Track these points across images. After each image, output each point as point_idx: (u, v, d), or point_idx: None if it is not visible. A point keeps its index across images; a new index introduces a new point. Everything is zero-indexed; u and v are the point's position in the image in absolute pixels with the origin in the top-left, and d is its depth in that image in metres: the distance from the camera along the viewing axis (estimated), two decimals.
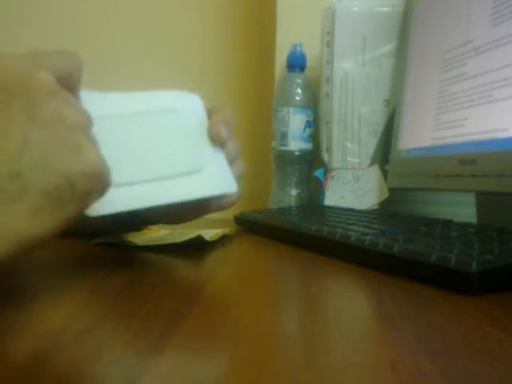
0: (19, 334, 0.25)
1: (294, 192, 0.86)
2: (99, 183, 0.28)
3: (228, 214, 0.72)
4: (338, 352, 0.24)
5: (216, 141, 0.45)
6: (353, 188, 0.80)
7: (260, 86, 1.03)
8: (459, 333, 0.26)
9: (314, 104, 0.86)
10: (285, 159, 0.86)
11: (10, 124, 0.27)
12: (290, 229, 0.56)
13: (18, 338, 0.25)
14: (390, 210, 0.75)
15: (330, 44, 0.81)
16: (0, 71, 0.29)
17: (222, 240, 0.56)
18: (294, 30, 0.92)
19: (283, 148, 0.85)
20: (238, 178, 0.47)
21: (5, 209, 0.25)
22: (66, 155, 0.27)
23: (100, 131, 0.34)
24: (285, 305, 0.33)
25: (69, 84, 0.32)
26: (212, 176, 0.42)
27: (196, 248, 0.51)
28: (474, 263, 0.32)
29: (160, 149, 0.41)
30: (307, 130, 0.85)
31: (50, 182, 0.26)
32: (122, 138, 0.39)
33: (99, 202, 0.32)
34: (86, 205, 0.28)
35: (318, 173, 0.84)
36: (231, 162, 0.46)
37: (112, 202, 0.35)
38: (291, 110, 0.84)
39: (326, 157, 0.83)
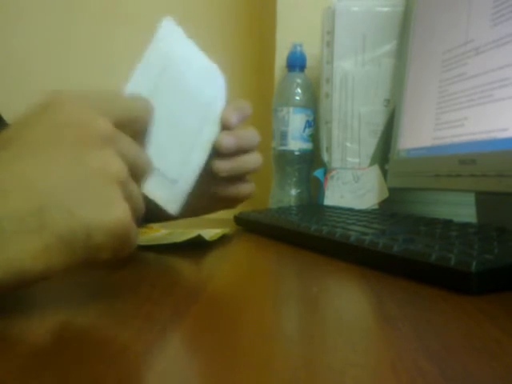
0: (17, 334, 0.25)
1: (293, 192, 0.86)
2: (117, 242, 0.28)
3: (228, 214, 0.72)
4: (338, 352, 0.24)
5: (224, 125, 0.46)
6: (352, 188, 0.80)
7: (260, 85, 1.03)
8: (459, 332, 0.26)
9: (313, 104, 0.86)
10: (285, 159, 0.86)
11: (52, 162, 0.27)
12: (289, 229, 0.56)
13: (17, 338, 0.25)
14: (390, 209, 0.75)
15: (329, 44, 0.81)
16: (63, 111, 0.29)
17: (222, 240, 0.56)
18: (294, 29, 0.92)
19: (283, 148, 0.85)
20: (252, 171, 0.48)
21: (17, 239, 0.25)
22: (94, 205, 0.27)
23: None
24: (284, 305, 0.33)
25: (135, 129, 0.32)
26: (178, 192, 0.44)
27: (196, 248, 0.51)
28: (474, 263, 0.32)
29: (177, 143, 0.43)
30: (307, 130, 0.85)
31: (70, 227, 0.26)
32: (165, 117, 0.40)
33: (171, 202, 0.37)
34: (96, 258, 0.28)
35: (318, 173, 0.84)
36: (245, 151, 0.47)
37: (177, 197, 0.40)
38: (291, 109, 0.84)
39: (325, 157, 0.83)
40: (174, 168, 0.41)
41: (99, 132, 0.28)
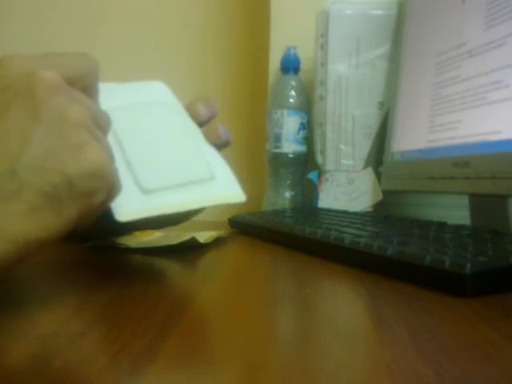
0: (12, 338, 0.25)
1: (287, 194, 0.86)
2: (101, 183, 0.27)
3: (222, 217, 0.72)
4: (333, 354, 0.23)
5: (196, 121, 0.44)
6: (347, 190, 0.80)
7: (254, 88, 1.03)
8: (454, 334, 0.26)
9: (307, 106, 0.86)
10: (279, 161, 0.86)
11: (10, 123, 0.26)
12: (284, 231, 0.56)
13: (11, 342, 0.24)
14: (384, 212, 0.75)
15: (323, 46, 0.81)
16: (6, 69, 0.28)
17: (216, 242, 0.56)
18: (288, 32, 0.92)
19: (277, 150, 0.85)
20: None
21: (1, 208, 0.25)
22: (66, 153, 0.26)
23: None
24: (279, 307, 0.33)
25: (83, 85, 0.32)
26: (225, 181, 0.42)
27: (190, 250, 0.50)
28: (469, 265, 0.32)
29: (169, 148, 0.41)
30: (301, 133, 0.85)
31: (48, 180, 0.25)
32: (131, 132, 0.39)
33: (128, 207, 0.32)
34: (88, 206, 0.27)
35: (312, 175, 0.84)
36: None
37: (141, 208, 0.35)
38: (285, 112, 0.84)
39: (319, 159, 0.83)
40: (152, 179, 0.38)
41: (47, 82, 0.28)
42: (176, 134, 0.42)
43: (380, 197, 0.76)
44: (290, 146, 0.85)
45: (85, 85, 0.32)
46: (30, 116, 0.27)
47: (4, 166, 0.25)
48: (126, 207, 0.34)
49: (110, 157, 0.29)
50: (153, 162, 0.38)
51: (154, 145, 0.40)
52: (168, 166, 0.39)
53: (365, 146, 0.80)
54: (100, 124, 0.30)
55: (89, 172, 0.27)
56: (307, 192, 0.87)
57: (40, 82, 0.28)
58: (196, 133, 0.44)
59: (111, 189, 0.29)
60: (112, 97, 0.40)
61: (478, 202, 0.57)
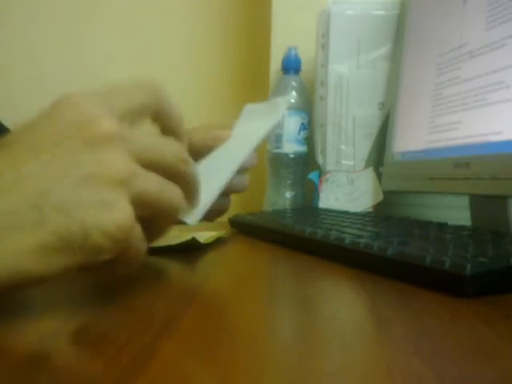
0: (11, 338, 0.25)
1: (288, 194, 0.86)
2: (113, 245, 0.27)
3: (223, 217, 0.72)
4: (333, 355, 0.23)
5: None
6: (347, 190, 0.80)
7: (255, 88, 1.03)
8: (454, 335, 0.26)
9: (308, 106, 0.86)
10: (279, 162, 0.86)
11: (52, 162, 0.26)
12: (284, 231, 0.56)
13: (11, 342, 0.24)
14: (385, 212, 0.75)
15: (324, 47, 0.81)
16: (64, 110, 0.28)
17: (217, 242, 0.56)
18: (289, 32, 0.92)
19: (278, 150, 0.85)
20: (238, 191, 0.48)
21: (13, 237, 0.25)
22: (92, 207, 0.26)
23: None
24: (279, 307, 0.33)
25: (151, 116, 0.32)
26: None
27: (190, 251, 0.50)
28: (469, 266, 0.32)
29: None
30: (302, 133, 0.85)
31: (67, 226, 0.26)
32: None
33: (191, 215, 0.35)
34: (92, 260, 0.27)
35: (313, 175, 0.84)
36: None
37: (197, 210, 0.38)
38: (286, 112, 0.84)
39: (320, 159, 0.83)
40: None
41: (102, 131, 0.28)
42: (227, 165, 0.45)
43: (380, 197, 0.76)
44: (291, 146, 0.85)
45: (153, 115, 0.33)
46: (72, 160, 0.27)
47: (31, 198, 0.25)
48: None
49: (136, 226, 0.29)
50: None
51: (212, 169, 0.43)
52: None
53: (365, 147, 0.80)
54: (142, 180, 0.29)
55: (106, 232, 0.26)
56: (308, 192, 0.87)
57: (96, 129, 0.28)
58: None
59: (125, 251, 0.28)
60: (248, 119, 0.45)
61: (479, 203, 0.57)
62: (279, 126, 0.84)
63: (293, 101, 0.85)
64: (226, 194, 0.47)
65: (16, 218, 0.25)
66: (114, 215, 0.26)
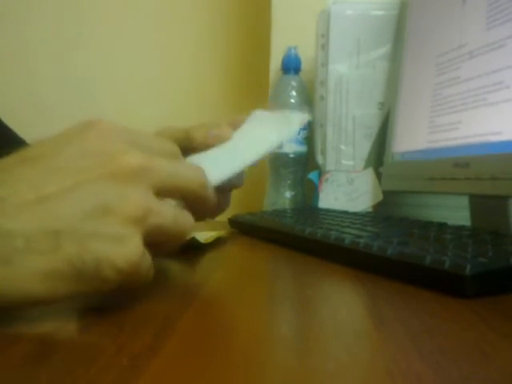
0: (11, 338, 0.25)
1: (288, 194, 0.86)
2: (125, 278, 0.27)
3: (222, 216, 0.72)
4: (333, 355, 0.23)
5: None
6: (347, 190, 0.80)
7: (255, 88, 1.03)
8: (453, 335, 0.26)
9: (308, 106, 0.86)
10: (279, 161, 0.86)
11: (74, 190, 0.27)
12: (284, 231, 0.56)
13: (10, 342, 0.24)
14: (384, 212, 0.75)
15: (324, 47, 0.81)
16: (97, 138, 0.29)
17: (216, 242, 0.56)
18: (289, 32, 0.92)
19: (278, 150, 0.85)
20: (236, 186, 0.47)
21: (27, 259, 0.25)
22: (106, 241, 0.26)
23: None
24: (279, 307, 0.33)
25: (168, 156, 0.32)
26: None
27: (190, 250, 0.50)
28: (468, 266, 0.32)
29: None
30: (302, 133, 0.85)
31: (81, 256, 0.26)
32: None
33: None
34: (98, 288, 0.27)
35: (313, 175, 0.84)
36: None
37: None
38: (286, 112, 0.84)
39: (320, 159, 0.84)
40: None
41: (126, 166, 0.28)
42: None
43: (380, 197, 0.76)
44: (291, 146, 0.85)
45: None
46: (92, 190, 0.27)
47: (49, 225, 0.26)
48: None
49: (146, 259, 0.29)
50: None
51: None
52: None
53: (365, 147, 0.80)
54: (157, 216, 0.29)
55: (116, 267, 0.27)
56: (307, 192, 0.87)
57: (121, 163, 0.28)
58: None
59: (132, 283, 0.29)
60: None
61: (479, 203, 0.57)
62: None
63: (292, 101, 0.85)
64: (226, 190, 0.47)
65: (33, 241, 0.25)
66: (126, 251, 0.27)
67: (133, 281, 0.28)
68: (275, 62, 0.92)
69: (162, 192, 0.30)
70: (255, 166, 0.49)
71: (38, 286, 0.26)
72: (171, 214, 0.30)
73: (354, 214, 0.68)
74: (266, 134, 0.44)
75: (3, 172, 0.27)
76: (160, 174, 0.30)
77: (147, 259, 0.29)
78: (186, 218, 0.32)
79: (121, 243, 0.27)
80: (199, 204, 0.33)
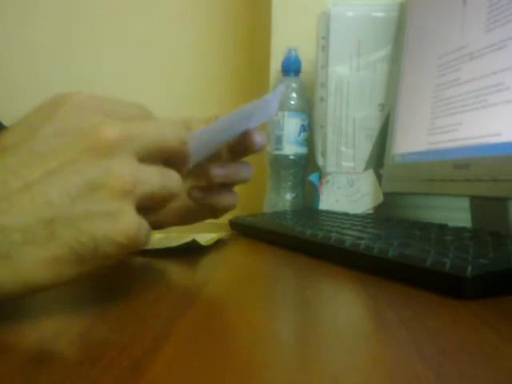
0: (12, 340, 0.25)
1: (288, 196, 0.86)
2: (124, 251, 0.28)
3: (223, 219, 0.72)
4: (334, 356, 0.23)
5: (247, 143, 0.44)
6: (347, 192, 0.80)
7: (255, 90, 1.03)
8: (455, 337, 0.26)
9: (308, 108, 0.86)
10: (279, 163, 0.86)
11: (59, 172, 0.26)
12: (284, 233, 0.56)
13: (12, 344, 0.24)
14: (385, 214, 0.75)
15: (324, 48, 0.82)
16: (71, 114, 0.28)
17: (217, 244, 0.56)
18: (289, 34, 0.92)
19: (278, 152, 0.85)
20: (243, 181, 0.46)
21: (26, 251, 0.25)
22: (99, 219, 0.26)
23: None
24: (280, 309, 0.33)
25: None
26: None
27: (191, 252, 0.50)
28: (469, 267, 0.32)
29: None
30: (302, 134, 0.85)
31: (77, 238, 0.26)
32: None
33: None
34: (101, 265, 0.28)
35: (313, 177, 0.84)
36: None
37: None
38: (286, 114, 0.84)
39: (320, 161, 0.84)
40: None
41: (105, 139, 0.27)
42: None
43: (381, 199, 0.76)
44: (291, 148, 0.85)
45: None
46: (77, 170, 0.27)
47: (42, 214, 0.26)
48: None
49: (142, 227, 0.29)
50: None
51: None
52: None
53: (365, 148, 0.80)
54: (145, 184, 0.29)
55: (115, 241, 0.27)
56: (308, 194, 0.87)
57: (101, 138, 0.27)
58: None
59: (131, 251, 0.29)
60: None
61: (479, 205, 0.57)
62: (279, 127, 0.84)
63: (293, 102, 0.85)
64: (230, 186, 0.46)
65: (28, 232, 0.25)
66: (121, 226, 0.27)
67: (134, 248, 0.28)
68: (275, 64, 0.92)
69: (145, 156, 0.29)
70: (258, 167, 0.49)
71: (41, 274, 0.26)
72: (158, 178, 0.30)
73: (355, 215, 0.68)
74: (248, 115, 0.43)
75: None
76: (140, 140, 0.29)
77: (144, 226, 0.29)
78: (172, 178, 0.31)
79: (115, 218, 0.27)
80: (180, 160, 0.33)
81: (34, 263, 0.25)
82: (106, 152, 0.27)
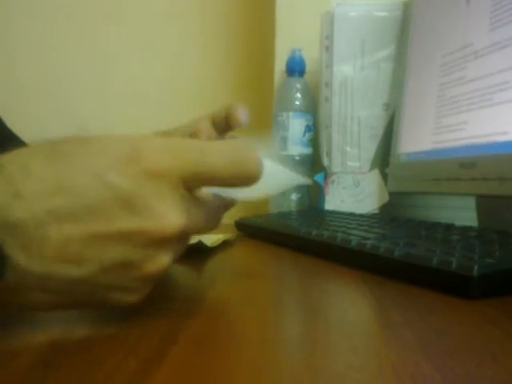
0: (21, 343, 0.25)
1: (294, 196, 0.86)
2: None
3: (229, 220, 0.72)
4: (340, 356, 0.23)
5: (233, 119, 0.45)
6: (353, 192, 0.80)
7: (260, 90, 1.04)
8: (461, 337, 0.26)
9: (313, 108, 0.86)
10: (285, 164, 0.85)
11: (104, 238, 0.25)
12: (290, 233, 0.56)
13: (20, 347, 0.25)
14: (391, 213, 0.75)
15: (329, 48, 0.82)
16: (133, 179, 0.25)
17: (223, 245, 0.56)
18: (294, 34, 0.92)
19: (283, 152, 0.85)
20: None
21: (38, 295, 0.25)
22: (120, 292, 0.27)
23: None
24: (287, 310, 0.33)
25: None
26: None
27: (197, 253, 0.50)
28: (476, 267, 0.32)
29: None
30: (307, 135, 0.85)
31: (90, 299, 0.26)
32: None
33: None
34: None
35: (318, 177, 0.84)
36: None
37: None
38: (291, 114, 0.84)
39: (325, 161, 0.83)
40: None
41: (165, 233, 0.26)
42: None
43: (386, 198, 0.76)
44: (296, 149, 0.85)
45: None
46: (122, 247, 0.25)
47: (68, 272, 0.25)
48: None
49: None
50: None
51: None
52: None
53: (371, 148, 0.80)
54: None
55: (121, 305, 0.28)
56: (313, 194, 0.87)
57: (159, 228, 0.26)
58: None
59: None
60: None
61: (485, 204, 0.57)
62: (284, 128, 0.84)
63: (297, 103, 0.85)
64: (217, 208, 0.46)
65: (48, 284, 0.25)
66: (133, 298, 0.28)
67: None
68: (280, 65, 0.92)
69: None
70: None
71: (36, 309, 0.26)
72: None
73: (361, 215, 0.68)
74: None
75: (35, 199, 0.24)
76: (188, 238, 0.30)
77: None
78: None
79: (131, 292, 0.27)
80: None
81: (36, 303, 0.26)
82: (159, 243, 0.26)
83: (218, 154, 0.27)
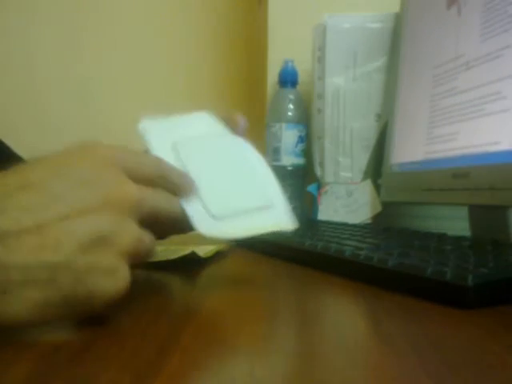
0: (13, 355, 0.25)
1: None
2: (111, 303, 0.28)
3: None
4: (336, 369, 0.23)
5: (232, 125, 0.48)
6: (346, 202, 0.80)
7: (252, 102, 1.04)
8: (456, 347, 0.26)
9: (306, 119, 0.86)
10: (277, 174, 0.85)
11: (71, 220, 0.27)
12: (284, 244, 0.56)
13: (12, 359, 0.24)
14: (384, 224, 0.75)
15: (321, 60, 0.82)
16: (96, 166, 0.30)
17: (216, 256, 0.56)
18: (286, 46, 0.92)
19: (276, 163, 0.85)
20: None
21: (22, 290, 0.26)
22: (101, 274, 0.27)
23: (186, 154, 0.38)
24: (280, 322, 0.33)
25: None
26: (281, 208, 0.46)
27: (190, 264, 0.50)
28: (470, 276, 0.32)
29: (235, 176, 0.43)
30: (299, 145, 0.85)
31: (75, 288, 0.27)
32: (203, 163, 0.41)
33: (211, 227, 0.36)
34: (88, 314, 0.28)
35: (311, 187, 0.84)
36: None
37: (213, 233, 0.37)
38: (283, 125, 0.84)
39: (318, 171, 0.84)
40: (220, 206, 0.39)
41: (124, 199, 0.29)
42: (237, 163, 0.45)
43: (379, 208, 0.76)
44: (289, 159, 0.85)
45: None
46: (94, 223, 0.28)
47: (48, 258, 0.26)
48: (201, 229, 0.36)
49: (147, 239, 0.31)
50: (219, 190, 0.40)
51: (219, 174, 0.42)
52: (233, 194, 0.41)
53: (363, 158, 0.80)
54: (141, 250, 0.30)
55: (108, 297, 0.28)
56: (307, 204, 0.87)
57: (117, 196, 0.29)
58: (256, 161, 0.45)
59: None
60: (172, 132, 0.46)
61: (478, 213, 0.57)
62: (277, 139, 0.85)
63: (290, 114, 0.85)
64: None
65: (29, 274, 0.26)
66: (117, 283, 0.28)
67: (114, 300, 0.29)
68: (272, 76, 0.92)
69: (145, 221, 0.31)
70: None
71: (27, 313, 0.26)
72: (151, 243, 0.31)
73: (354, 225, 0.68)
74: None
75: (5, 198, 0.27)
76: (148, 207, 0.31)
77: (149, 238, 0.31)
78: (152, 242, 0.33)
79: (113, 275, 0.28)
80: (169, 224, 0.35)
81: (23, 304, 0.26)
82: (121, 211, 0.29)
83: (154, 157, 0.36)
